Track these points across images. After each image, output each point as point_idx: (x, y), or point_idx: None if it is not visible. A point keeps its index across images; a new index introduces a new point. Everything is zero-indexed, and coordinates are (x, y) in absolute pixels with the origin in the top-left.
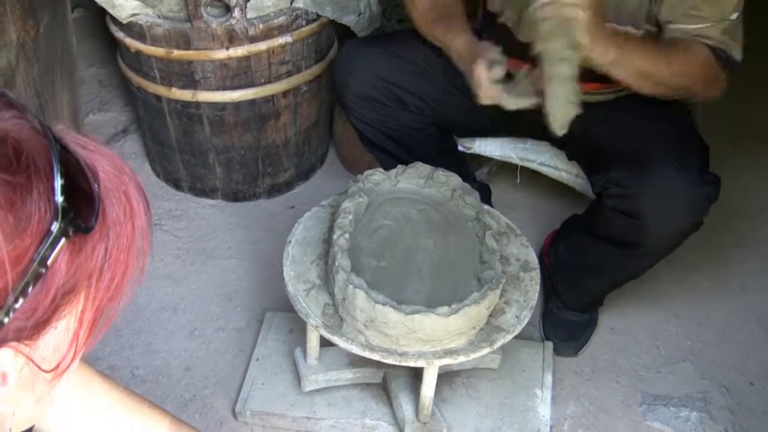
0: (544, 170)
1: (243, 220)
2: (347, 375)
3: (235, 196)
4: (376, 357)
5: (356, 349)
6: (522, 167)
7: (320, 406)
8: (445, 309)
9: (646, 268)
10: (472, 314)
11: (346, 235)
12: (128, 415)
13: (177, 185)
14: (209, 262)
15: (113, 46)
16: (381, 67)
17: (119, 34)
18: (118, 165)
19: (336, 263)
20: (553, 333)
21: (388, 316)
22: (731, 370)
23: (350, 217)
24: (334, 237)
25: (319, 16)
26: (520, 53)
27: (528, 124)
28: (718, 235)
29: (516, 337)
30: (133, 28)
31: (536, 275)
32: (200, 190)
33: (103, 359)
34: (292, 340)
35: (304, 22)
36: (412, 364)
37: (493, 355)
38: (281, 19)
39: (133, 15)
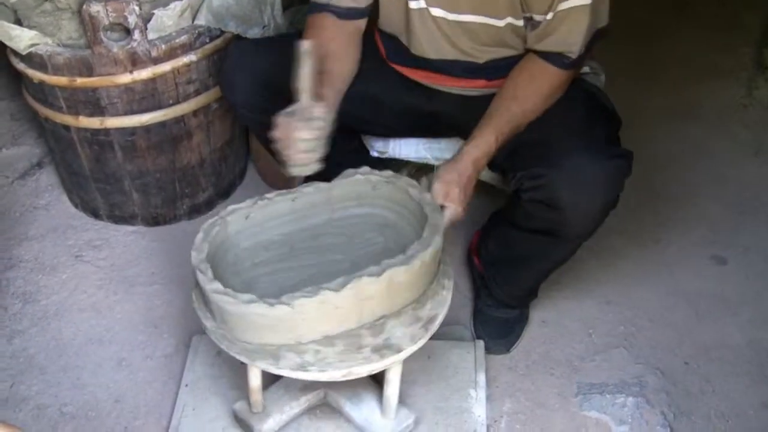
0: None
1: (165, 244)
2: (296, 407)
3: (155, 221)
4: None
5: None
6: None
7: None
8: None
9: (574, 251)
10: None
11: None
12: None
13: (95, 214)
14: (133, 290)
15: (20, 78)
16: (267, 65)
17: (20, 66)
18: None
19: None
20: (484, 331)
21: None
22: (665, 352)
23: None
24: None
25: (222, 32)
26: (416, 64)
27: (443, 125)
28: (643, 218)
29: (445, 338)
30: (33, 59)
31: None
32: (119, 217)
33: (30, 399)
34: (221, 362)
35: (207, 39)
36: None
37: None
38: (184, 38)
39: (32, 45)
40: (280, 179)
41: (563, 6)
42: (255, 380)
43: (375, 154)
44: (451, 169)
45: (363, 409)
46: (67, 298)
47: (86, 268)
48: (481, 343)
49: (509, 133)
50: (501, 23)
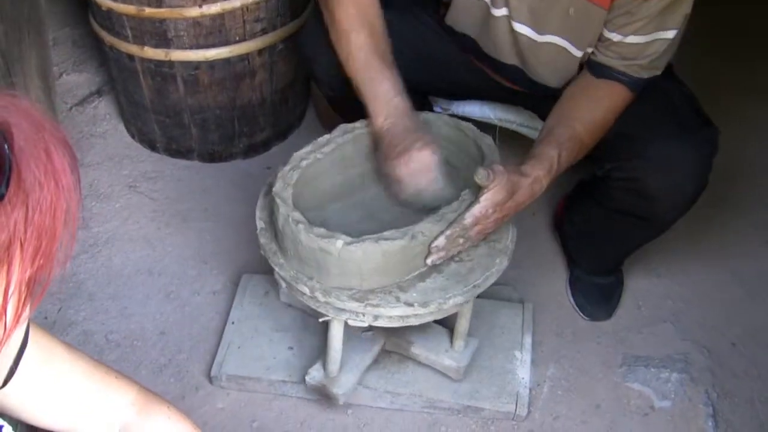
0: (524, 131)
1: (219, 181)
2: (367, 360)
3: (211, 157)
4: None
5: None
6: (501, 128)
7: (296, 369)
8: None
9: (663, 232)
10: None
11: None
12: (94, 385)
13: (152, 146)
14: (185, 225)
15: (85, 5)
16: None
17: None
18: (36, 120)
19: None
20: (585, 299)
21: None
22: (712, 330)
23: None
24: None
25: None
26: (485, 60)
27: (509, 93)
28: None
29: (495, 299)
30: None
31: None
32: (176, 150)
33: (77, 324)
34: (269, 302)
35: None
36: None
37: (450, 362)
38: None
39: None
40: (338, 125)
41: (663, 35)
42: (338, 336)
43: (438, 110)
44: (515, 171)
45: (431, 344)
46: (119, 227)
47: (140, 198)
48: (530, 306)
49: (571, 152)
50: (579, 53)
